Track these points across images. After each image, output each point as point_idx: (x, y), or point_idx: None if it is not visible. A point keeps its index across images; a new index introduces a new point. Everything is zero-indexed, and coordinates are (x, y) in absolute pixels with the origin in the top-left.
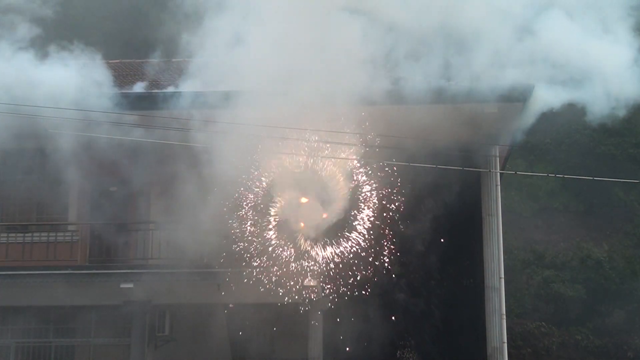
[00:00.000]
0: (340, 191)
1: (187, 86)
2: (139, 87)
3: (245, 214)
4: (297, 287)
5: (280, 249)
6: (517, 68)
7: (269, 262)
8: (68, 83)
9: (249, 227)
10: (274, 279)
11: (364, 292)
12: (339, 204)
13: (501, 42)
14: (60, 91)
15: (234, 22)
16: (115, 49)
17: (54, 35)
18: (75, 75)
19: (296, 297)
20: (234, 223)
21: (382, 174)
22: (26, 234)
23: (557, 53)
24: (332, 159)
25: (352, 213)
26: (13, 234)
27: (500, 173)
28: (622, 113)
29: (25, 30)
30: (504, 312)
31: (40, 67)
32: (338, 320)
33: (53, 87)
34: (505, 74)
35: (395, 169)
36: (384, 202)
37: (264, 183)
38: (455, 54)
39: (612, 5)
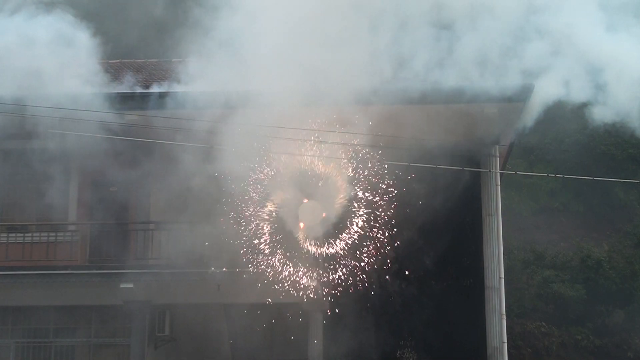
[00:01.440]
0: (339, 191)
1: (190, 86)
2: (140, 87)
3: (246, 214)
4: (297, 287)
5: (280, 251)
6: (527, 64)
7: (269, 263)
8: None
9: (249, 228)
10: (273, 279)
11: (363, 292)
12: (337, 205)
13: (514, 27)
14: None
15: (235, 21)
16: (115, 49)
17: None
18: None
19: (299, 296)
20: (235, 224)
21: (382, 174)
22: (26, 234)
23: (573, 49)
24: (332, 159)
25: (351, 213)
26: (13, 234)
27: (500, 173)
28: (633, 122)
29: None
30: (504, 312)
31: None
32: (338, 320)
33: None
34: (520, 63)
35: (393, 168)
36: (384, 202)
37: (265, 183)
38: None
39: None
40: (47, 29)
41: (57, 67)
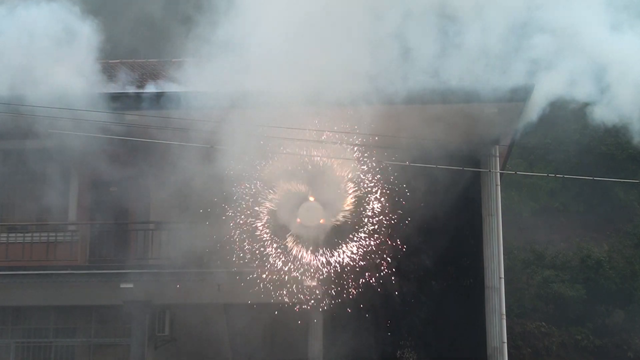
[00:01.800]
0: (340, 192)
1: (190, 86)
2: (140, 87)
3: (245, 214)
4: (297, 287)
5: (280, 251)
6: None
7: (269, 263)
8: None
9: (249, 228)
10: (273, 279)
11: (363, 293)
12: (337, 205)
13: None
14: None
15: (235, 21)
16: (115, 49)
17: None
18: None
19: (296, 297)
20: (234, 226)
21: (382, 174)
22: (26, 234)
23: (576, 48)
24: (332, 159)
25: (352, 214)
26: (13, 234)
27: (500, 173)
28: (634, 124)
29: None
30: (504, 312)
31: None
32: (338, 320)
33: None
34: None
35: (391, 168)
36: (383, 202)
37: (263, 183)
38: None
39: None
40: (48, 23)
41: (57, 65)
